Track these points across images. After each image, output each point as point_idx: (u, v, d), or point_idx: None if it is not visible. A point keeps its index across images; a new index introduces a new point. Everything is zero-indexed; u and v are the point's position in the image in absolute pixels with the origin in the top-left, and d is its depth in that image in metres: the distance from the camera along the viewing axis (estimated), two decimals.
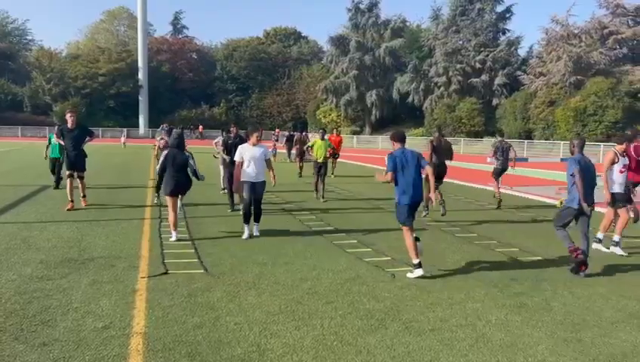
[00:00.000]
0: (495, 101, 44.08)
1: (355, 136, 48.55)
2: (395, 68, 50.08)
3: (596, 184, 6.85)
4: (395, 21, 50.56)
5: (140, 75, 62.38)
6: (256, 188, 8.03)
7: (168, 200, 7.86)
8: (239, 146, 8.21)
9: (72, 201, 10.08)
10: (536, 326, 4.65)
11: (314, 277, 5.94)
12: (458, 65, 44.77)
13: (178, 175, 7.81)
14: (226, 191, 11.47)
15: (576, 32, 39.57)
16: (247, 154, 7.94)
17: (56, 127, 12.42)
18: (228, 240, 7.81)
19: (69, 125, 10.33)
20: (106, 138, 55.20)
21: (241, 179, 8.00)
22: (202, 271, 6.14)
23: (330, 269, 6.28)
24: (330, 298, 5.27)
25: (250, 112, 67.20)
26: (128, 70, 62.23)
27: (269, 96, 66.56)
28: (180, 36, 76.60)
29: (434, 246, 7.72)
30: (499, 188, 12.11)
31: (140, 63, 62.44)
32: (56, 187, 12.97)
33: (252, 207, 8.06)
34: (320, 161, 12.48)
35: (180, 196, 8.10)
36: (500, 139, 13.22)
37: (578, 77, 37.04)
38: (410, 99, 47.85)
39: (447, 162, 10.50)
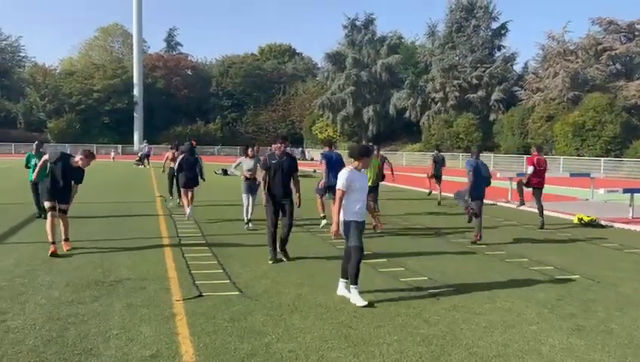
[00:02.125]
0: (492, 116, 44.30)
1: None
2: (392, 84, 50.29)
3: (490, 182, 9.80)
4: (391, 38, 50.94)
5: (135, 92, 62.19)
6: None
7: (183, 191, 11.41)
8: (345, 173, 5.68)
9: (54, 243, 7.53)
10: (604, 351, 4.44)
11: None
12: (455, 81, 45.02)
13: (190, 173, 11.34)
14: (248, 224, 10.27)
15: (572, 48, 40.00)
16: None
17: (35, 143, 11.29)
18: (254, 259, 7.55)
19: (76, 162, 7.91)
20: (100, 155, 54.72)
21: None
22: (237, 292, 5.89)
23: (369, 290, 6.04)
24: (379, 321, 5.03)
25: (245, 128, 67.06)
26: (123, 86, 62.04)
27: (265, 112, 66.53)
28: (175, 53, 76.65)
29: (464, 265, 7.52)
30: (439, 189, 15.39)
31: (135, 80, 62.30)
32: (40, 216, 10.60)
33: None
34: (370, 184, 9.94)
35: (192, 189, 11.35)
36: (436, 152, 16.46)
37: (575, 92, 37.34)
38: (407, 114, 47.99)
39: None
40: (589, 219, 12.28)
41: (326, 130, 55.23)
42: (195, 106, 67.64)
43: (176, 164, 11.96)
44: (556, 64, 38.81)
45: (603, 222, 11.97)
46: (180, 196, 12.30)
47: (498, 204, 15.08)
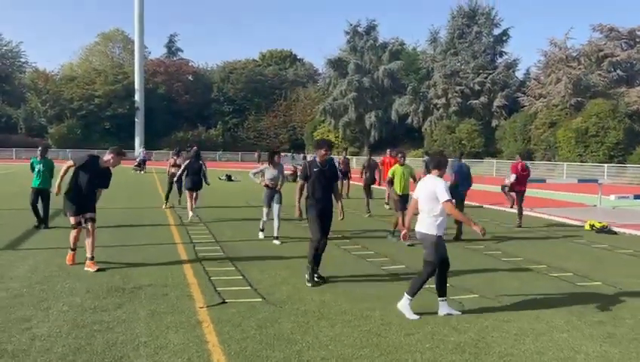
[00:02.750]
0: (494, 122, 44.34)
1: (354, 158, 48.45)
2: (394, 90, 50.35)
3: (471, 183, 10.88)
4: (393, 44, 51.08)
5: (137, 97, 62.20)
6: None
7: (187, 193, 12.01)
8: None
9: (74, 250, 7.22)
10: (639, 359, 4.39)
11: (381, 307, 5.62)
12: (457, 87, 45.09)
13: (194, 177, 12.03)
14: (263, 231, 9.90)
15: (574, 54, 40.09)
16: None
17: (40, 149, 10.68)
18: (271, 265, 7.48)
19: (106, 162, 7.25)
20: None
21: None
22: (260, 299, 5.82)
23: (393, 296, 5.96)
24: (409, 329, 4.96)
25: (246, 134, 67.12)
26: (124, 92, 62.07)
27: (266, 117, 66.61)
28: (175, 58, 76.66)
29: (482, 272, 7.46)
30: (369, 198, 14.54)
31: (137, 85, 62.30)
32: (41, 225, 10.30)
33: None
34: (401, 193, 9.87)
35: (196, 192, 12.07)
36: (368, 157, 16.77)
37: (578, 98, 37.39)
38: (409, 120, 48.03)
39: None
40: (601, 225, 12.24)
41: (327, 136, 55.20)
42: (197, 112, 67.69)
43: (181, 169, 12.50)
44: (559, 70, 38.89)
45: (615, 229, 11.94)
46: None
47: (507, 210, 15.02)
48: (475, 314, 5.48)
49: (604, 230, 11.92)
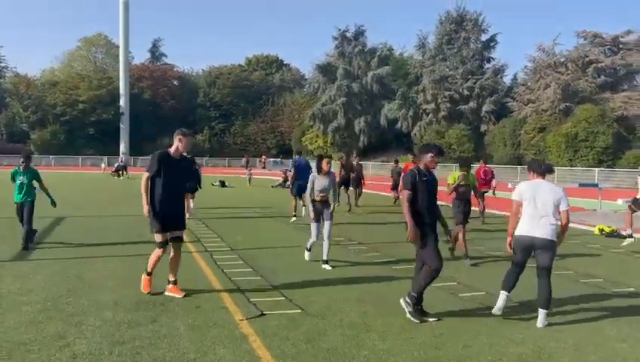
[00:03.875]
0: (483, 127, 44.65)
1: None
2: (382, 95, 50.43)
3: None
4: (381, 49, 51.19)
5: (122, 102, 61.33)
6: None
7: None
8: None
9: (150, 275, 6.13)
10: None
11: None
12: (446, 93, 45.33)
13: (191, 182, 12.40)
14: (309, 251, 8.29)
15: (562, 60, 40.58)
16: None
17: (22, 158, 8.92)
18: (298, 274, 7.24)
19: (176, 151, 6.09)
20: (85, 165, 53.85)
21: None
22: (299, 310, 5.58)
23: (435, 306, 5.76)
24: (463, 341, 4.77)
25: (233, 140, 66.66)
26: (109, 97, 61.15)
27: (253, 123, 66.22)
28: (159, 63, 75.80)
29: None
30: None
31: (122, 90, 61.45)
32: (25, 247, 8.53)
33: None
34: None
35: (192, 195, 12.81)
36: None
37: (567, 104, 37.84)
38: (398, 125, 48.12)
39: None
40: (610, 229, 12.25)
41: (316, 141, 55.10)
42: (182, 117, 66.89)
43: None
44: (547, 76, 39.33)
45: (624, 233, 11.92)
46: None
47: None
48: (524, 323, 5.32)
49: (614, 234, 11.92)
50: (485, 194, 14.28)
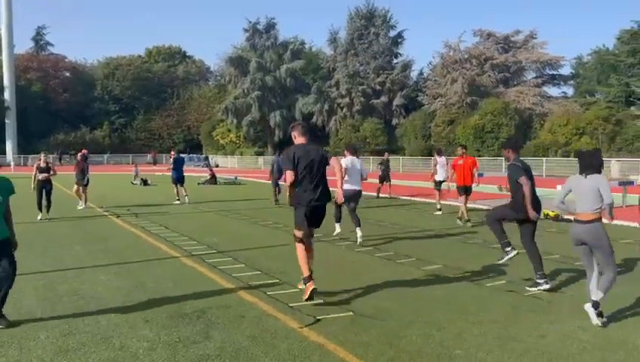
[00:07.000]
0: (395, 121, 46.22)
1: (261, 158, 47.75)
2: (297, 89, 50.36)
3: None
4: (294, 43, 51.00)
5: (7, 95, 55.64)
6: None
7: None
8: None
9: (311, 276, 5.63)
10: None
11: (481, 309, 5.36)
12: (360, 87, 46.30)
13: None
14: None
15: (466, 57, 43.11)
16: None
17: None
18: (322, 273, 6.86)
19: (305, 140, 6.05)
20: None
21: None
22: (350, 313, 5.24)
23: (493, 320, 5.66)
24: (539, 330, 4.73)
25: (136, 135, 63.16)
26: None
27: (157, 117, 63.12)
28: (45, 53, 69.23)
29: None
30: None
31: (6, 82, 55.72)
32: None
33: None
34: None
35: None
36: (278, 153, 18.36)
37: (472, 98, 40.33)
38: (314, 119, 48.34)
39: None
40: (554, 214, 13.07)
41: (228, 136, 53.81)
42: (78, 111, 62.27)
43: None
44: (455, 71, 41.58)
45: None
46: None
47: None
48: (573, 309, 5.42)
49: (558, 219, 12.73)
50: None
